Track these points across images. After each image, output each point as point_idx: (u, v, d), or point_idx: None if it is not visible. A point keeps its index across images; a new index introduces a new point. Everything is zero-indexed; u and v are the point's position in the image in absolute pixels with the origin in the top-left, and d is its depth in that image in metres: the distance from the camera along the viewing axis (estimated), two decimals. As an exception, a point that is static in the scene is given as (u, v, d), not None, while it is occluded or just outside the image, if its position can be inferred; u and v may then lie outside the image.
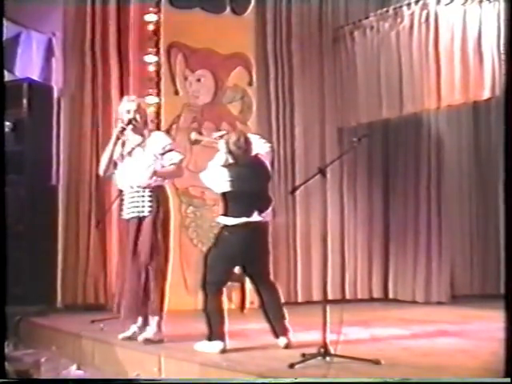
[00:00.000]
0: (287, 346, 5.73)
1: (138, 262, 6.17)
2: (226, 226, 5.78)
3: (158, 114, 8.87)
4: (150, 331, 6.17)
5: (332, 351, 5.07)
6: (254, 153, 5.94)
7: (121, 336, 6.25)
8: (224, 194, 5.81)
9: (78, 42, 8.85)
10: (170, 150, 6.31)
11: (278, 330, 5.82)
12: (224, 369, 5.09)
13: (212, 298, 5.80)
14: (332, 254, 9.43)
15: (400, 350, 5.76)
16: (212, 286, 5.81)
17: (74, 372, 5.96)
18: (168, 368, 5.53)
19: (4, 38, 9.59)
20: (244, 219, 5.71)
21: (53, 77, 9.43)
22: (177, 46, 9.04)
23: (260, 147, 6.04)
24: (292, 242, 9.53)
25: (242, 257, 5.87)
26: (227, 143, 5.88)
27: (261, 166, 5.94)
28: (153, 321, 6.21)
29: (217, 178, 5.80)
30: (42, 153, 8.94)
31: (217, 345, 5.67)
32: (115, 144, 6.29)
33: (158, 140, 6.36)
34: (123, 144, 6.33)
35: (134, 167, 6.25)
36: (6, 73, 9.50)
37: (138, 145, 6.32)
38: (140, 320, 6.29)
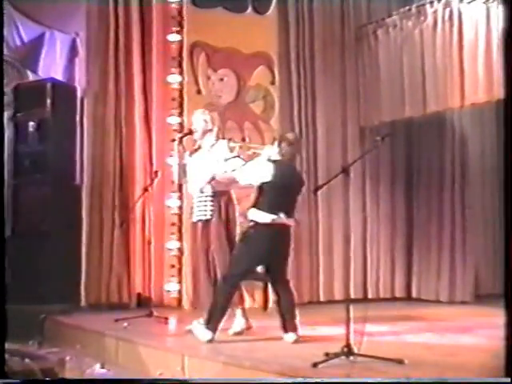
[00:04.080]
0: (296, 341, 5.90)
1: (208, 262, 6.55)
2: (256, 223, 5.85)
3: (180, 113, 8.89)
4: (238, 324, 6.54)
5: (355, 351, 5.06)
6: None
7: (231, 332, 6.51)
8: (261, 187, 5.86)
9: (102, 42, 8.89)
10: (234, 157, 6.60)
11: (289, 326, 5.99)
12: (247, 368, 5.10)
13: (226, 290, 5.94)
14: (354, 254, 9.42)
15: (423, 350, 5.74)
16: (231, 279, 5.96)
17: (97, 371, 5.99)
18: (191, 367, 5.54)
19: (28, 38, 9.73)
20: (273, 217, 5.80)
21: (76, 77, 9.49)
22: (199, 46, 9.05)
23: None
24: (314, 241, 9.51)
25: (267, 256, 5.99)
26: (280, 139, 5.98)
27: (299, 173, 6.03)
28: (239, 314, 6.58)
29: (260, 170, 5.88)
30: (65, 152, 9.00)
31: (207, 334, 5.87)
32: (180, 152, 6.73)
33: (225, 147, 6.69)
34: (192, 152, 6.75)
35: (200, 173, 6.59)
36: (29, 73, 9.61)
37: (205, 152, 6.69)
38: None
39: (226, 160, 6.57)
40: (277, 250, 5.98)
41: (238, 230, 6.68)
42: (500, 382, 4.13)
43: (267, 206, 5.84)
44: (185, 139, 6.80)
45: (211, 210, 6.52)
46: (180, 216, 8.77)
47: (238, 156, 6.65)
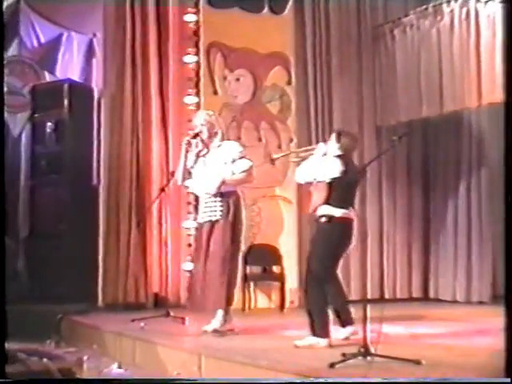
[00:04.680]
0: (353, 334, 5.81)
1: (210, 262, 6.51)
2: (329, 218, 5.80)
3: (197, 113, 8.91)
4: (217, 323, 6.48)
5: (372, 351, 5.05)
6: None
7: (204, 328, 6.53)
8: (331, 184, 5.82)
9: (119, 43, 8.91)
10: (241, 158, 6.63)
11: (345, 320, 5.90)
12: (264, 368, 5.09)
13: (317, 291, 5.84)
14: (371, 253, 9.40)
15: (441, 350, 5.71)
16: (318, 278, 5.86)
17: (114, 370, 6.00)
18: (208, 367, 5.54)
19: (45, 39, 9.78)
20: (345, 211, 5.82)
21: (93, 77, 9.53)
22: (216, 46, 9.06)
23: None
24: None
25: (342, 251, 6.04)
26: (338, 135, 5.97)
27: (356, 165, 6.06)
28: (219, 314, 6.49)
29: (329, 166, 5.83)
30: (82, 153, 9.04)
31: (322, 342, 5.70)
32: (186, 154, 6.68)
33: (230, 148, 6.69)
34: (198, 153, 6.70)
35: (207, 175, 6.59)
36: (47, 74, 9.66)
37: (211, 153, 6.67)
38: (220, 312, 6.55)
39: (234, 161, 6.58)
40: (345, 244, 5.99)
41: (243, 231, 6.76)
42: (500, 382, 4.11)
43: (338, 201, 5.80)
44: (193, 142, 6.78)
45: (220, 211, 6.51)
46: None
47: (245, 157, 6.66)
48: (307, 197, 6.20)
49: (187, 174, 6.75)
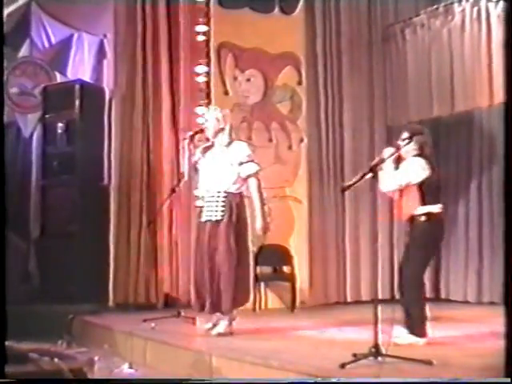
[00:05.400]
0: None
1: (212, 263, 6.44)
2: (428, 217, 5.82)
3: (208, 114, 8.91)
4: (222, 326, 6.44)
5: (383, 351, 5.04)
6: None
7: (205, 327, 6.57)
8: (421, 185, 5.83)
9: (129, 44, 8.93)
10: (248, 162, 6.55)
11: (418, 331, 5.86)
12: (275, 368, 5.09)
13: (418, 291, 5.94)
14: (382, 254, 9.38)
15: (452, 351, 5.70)
16: (419, 277, 5.94)
17: (126, 371, 6.02)
18: (219, 367, 5.54)
19: (56, 40, 9.82)
20: (441, 206, 5.88)
21: (104, 78, 9.56)
22: (226, 46, 9.05)
23: None
24: (341, 241, 9.49)
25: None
26: (412, 133, 5.94)
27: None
28: (225, 317, 6.48)
29: (415, 167, 5.84)
30: (93, 153, 9.06)
31: (420, 340, 5.79)
32: (190, 150, 6.62)
33: (240, 150, 6.60)
34: (204, 150, 6.65)
35: (214, 173, 6.53)
36: (58, 75, 9.69)
37: (219, 151, 6.59)
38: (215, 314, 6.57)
39: (241, 164, 6.52)
40: (441, 240, 6.16)
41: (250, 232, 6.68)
42: (500, 382, 4.09)
43: (432, 199, 5.84)
44: (196, 137, 6.77)
45: (222, 211, 6.43)
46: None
47: (253, 161, 6.58)
48: (391, 203, 6.18)
49: (194, 170, 6.69)
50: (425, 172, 5.83)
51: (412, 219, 5.86)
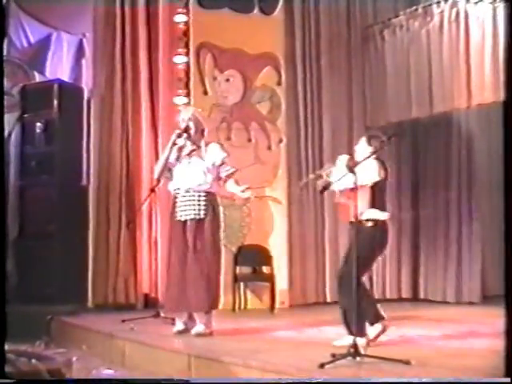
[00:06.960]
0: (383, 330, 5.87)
1: (196, 262, 6.42)
2: (375, 222, 5.82)
3: (187, 114, 8.89)
4: (201, 326, 6.40)
5: (362, 351, 5.05)
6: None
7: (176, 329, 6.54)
8: (373, 187, 5.83)
9: (108, 43, 8.91)
10: (222, 164, 6.61)
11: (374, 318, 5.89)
12: (254, 368, 5.09)
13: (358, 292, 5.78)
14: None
15: (431, 351, 5.72)
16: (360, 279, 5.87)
17: (104, 371, 5.99)
18: (197, 367, 5.54)
19: (34, 39, 9.75)
20: (388, 214, 5.88)
21: (83, 78, 9.51)
22: (206, 47, 9.05)
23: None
24: (320, 241, 9.50)
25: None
26: (369, 136, 6.05)
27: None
28: (203, 317, 6.44)
29: (370, 170, 5.83)
30: (72, 153, 9.02)
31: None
32: (171, 150, 6.59)
33: (215, 152, 6.63)
34: (179, 150, 6.61)
35: (191, 173, 6.52)
36: (36, 74, 9.63)
37: (195, 153, 6.61)
38: (185, 315, 6.56)
39: (215, 165, 6.55)
40: (384, 247, 6.06)
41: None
42: (500, 382, 4.11)
43: (380, 204, 5.86)
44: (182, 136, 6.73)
45: (205, 210, 6.45)
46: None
47: (227, 163, 6.61)
48: (340, 203, 6.17)
49: (168, 170, 6.66)
50: (376, 176, 5.83)
51: (359, 223, 5.83)
